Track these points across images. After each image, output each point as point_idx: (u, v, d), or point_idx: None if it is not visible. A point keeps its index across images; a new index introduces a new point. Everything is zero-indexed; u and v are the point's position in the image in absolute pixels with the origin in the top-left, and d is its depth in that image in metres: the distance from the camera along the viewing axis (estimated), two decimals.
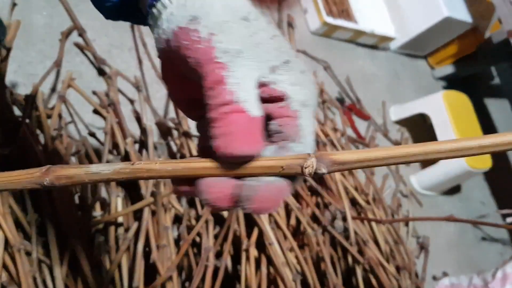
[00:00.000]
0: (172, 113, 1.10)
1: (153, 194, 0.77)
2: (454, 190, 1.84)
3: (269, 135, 0.29)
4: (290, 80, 0.29)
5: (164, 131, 1.05)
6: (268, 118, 0.29)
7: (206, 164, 0.27)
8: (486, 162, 1.63)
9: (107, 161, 0.82)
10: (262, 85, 0.29)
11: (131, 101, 1.05)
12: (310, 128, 0.29)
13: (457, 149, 0.23)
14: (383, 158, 0.25)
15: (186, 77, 0.31)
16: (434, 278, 1.51)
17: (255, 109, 0.27)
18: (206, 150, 0.29)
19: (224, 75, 0.27)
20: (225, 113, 0.26)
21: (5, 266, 0.64)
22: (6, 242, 0.64)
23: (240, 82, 0.27)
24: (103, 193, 0.85)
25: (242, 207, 0.27)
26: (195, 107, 0.33)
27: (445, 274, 1.52)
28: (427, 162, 1.73)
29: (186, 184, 0.29)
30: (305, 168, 0.25)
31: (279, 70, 0.29)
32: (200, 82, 0.28)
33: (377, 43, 1.92)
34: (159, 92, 1.13)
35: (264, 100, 0.29)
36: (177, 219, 0.91)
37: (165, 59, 0.31)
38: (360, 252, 0.94)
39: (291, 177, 0.27)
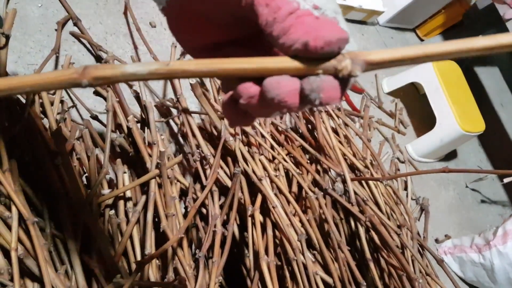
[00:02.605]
0: (170, 95, 1.13)
1: (158, 166, 0.80)
2: (450, 156, 1.87)
3: None
4: None
5: (164, 112, 1.08)
6: None
7: (243, 62, 0.25)
8: (479, 126, 1.65)
9: (111, 140, 0.85)
10: None
11: (130, 85, 1.08)
12: (348, 31, 0.28)
13: (492, 46, 0.23)
14: (418, 56, 0.23)
15: (206, 19, 0.30)
16: (437, 241, 1.54)
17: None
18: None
19: None
20: (297, 17, 0.25)
21: (20, 241, 0.66)
22: (20, 217, 0.67)
23: None
24: (110, 173, 0.88)
25: (311, 100, 0.25)
26: (217, 52, 0.33)
27: (447, 237, 1.56)
28: (422, 130, 1.76)
29: (254, 85, 0.27)
30: (339, 70, 0.24)
31: None
32: (231, 13, 0.27)
33: (366, 18, 1.94)
34: None
35: None
36: (183, 193, 0.94)
37: (179, 5, 0.30)
38: (362, 212, 0.97)
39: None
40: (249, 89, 0.27)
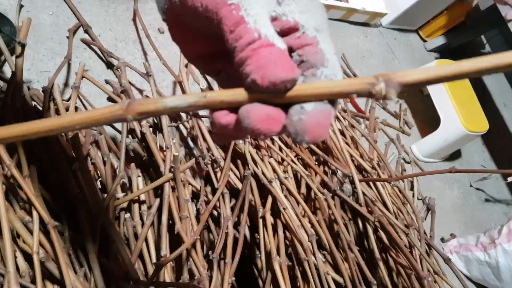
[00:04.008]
0: None
1: (171, 170, 0.82)
2: (454, 155, 1.89)
3: None
4: (298, 8, 0.28)
5: (173, 117, 1.10)
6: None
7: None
8: (483, 126, 1.67)
9: (126, 145, 0.87)
10: (273, 19, 0.28)
11: (141, 91, 1.10)
12: (332, 50, 0.28)
13: None
14: (454, 74, 0.22)
15: (198, 32, 0.31)
16: (442, 240, 1.56)
17: (280, 42, 0.26)
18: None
19: (241, 15, 0.26)
20: (254, 49, 0.25)
21: (40, 244, 0.68)
22: (40, 221, 0.68)
23: (258, 19, 0.26)
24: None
25: (294, 139, 0.26)
26: (211, 62, 0.34)
27: (452, 236, 1.57)
28: (426, 131, 1.78)
29: (229, 114, 0.27)
30: (373, 94, 0.23)
31: (285, 0, 0.28)
32: (214, 30, 0.28)
33: (369, 20, 1.96)
34: (165, 80, 1.17)
35: (278, 34, 0.28)
36: (195, 196, 0.96)
37: (173, 18, 0.32)
38: (370, 213, 0.99)
39: (331, 101, 0.26)
40: (220, 119, 0.27)
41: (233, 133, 0.28)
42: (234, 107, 0.27)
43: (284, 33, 0.28)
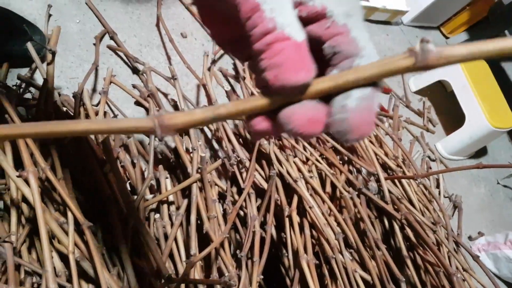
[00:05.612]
0: (203, 102, 1.17)
1: (198, 172, 0.83)
2: (480, 153, 1.87)
3: (327, 59, 0.27)
4: None
5: None
6: (315, 42, 0.27)
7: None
8: (509, 121, 1.64)
9: (154, 148, 0.89)
10: (298, 4, 0.27)
11: (165, 95, 1.12)
12: (366, 36, 0.27)
13: None
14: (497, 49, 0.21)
15: (224, 15, 0.31)
16: (470, 238, 1.54)
17: (298, 33, 0.25)
18: (265, 90, 0.27)
19: (258, 1, 0.25)
20: (268, 44, 0.25)
21: (75, 244, 0.70)
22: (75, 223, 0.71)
23: (275, 7, 0.25)
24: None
25: (338, 138, 0.25)
26: (240, 47, 0.33)
27: (480, 234, 1.55)
28: (451, 128, 1.76)
29: (264, 120, 0.27)
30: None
31: None
32: (237, 14, 0.27)
33: (390, 18, 1.95)
34: (189, 84, 1.19)
35: (304, 21, 0.27)
36: (221, 197, 0.97)
37: (200, 1, 0.32)
38: (396, 210, 0.99)
39: (375, 87, 0.25)
40: (260, 125, 0.27)
41: (271, 133, 0.28)
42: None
43: (311, 19, 0.27)
